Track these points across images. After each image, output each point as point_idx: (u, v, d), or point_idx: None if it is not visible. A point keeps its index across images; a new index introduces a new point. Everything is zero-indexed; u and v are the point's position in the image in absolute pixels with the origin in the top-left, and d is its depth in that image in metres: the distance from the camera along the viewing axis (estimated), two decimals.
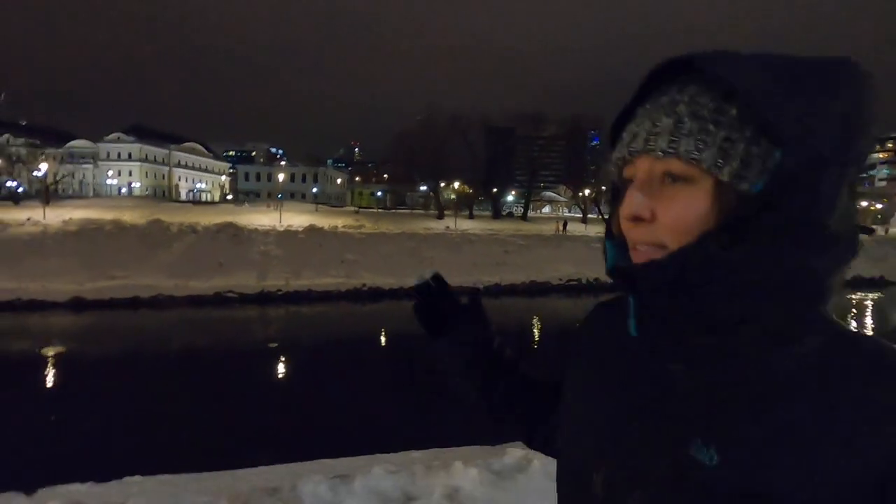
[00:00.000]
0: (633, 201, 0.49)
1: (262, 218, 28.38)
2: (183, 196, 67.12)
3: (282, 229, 24.80)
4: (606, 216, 0.60)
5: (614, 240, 0.55)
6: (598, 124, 44.40)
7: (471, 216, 37.10)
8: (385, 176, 65.69)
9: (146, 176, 67.29)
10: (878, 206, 58.35)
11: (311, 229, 24.93)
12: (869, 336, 0.47)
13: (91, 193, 56.11)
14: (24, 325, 15.09)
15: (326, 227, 26.24)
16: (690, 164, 0.46)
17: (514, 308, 20.79)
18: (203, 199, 68.41)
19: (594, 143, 52.66)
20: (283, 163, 64.19)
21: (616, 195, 0.55)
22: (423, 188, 50.31)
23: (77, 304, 17.33)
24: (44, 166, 27.29)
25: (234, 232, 23.01)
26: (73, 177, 50.80)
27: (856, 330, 0.48)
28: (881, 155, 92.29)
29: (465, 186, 37.12)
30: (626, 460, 0.52)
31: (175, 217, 25.51)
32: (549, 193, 58.36)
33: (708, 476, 0.45)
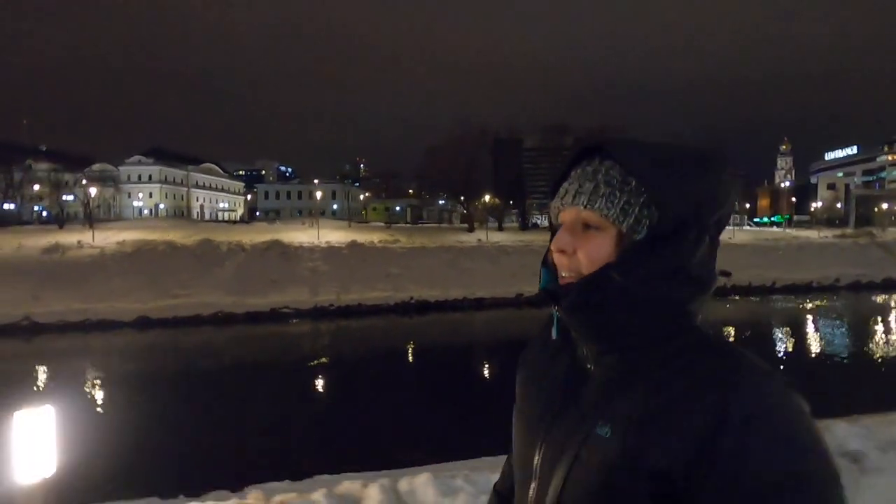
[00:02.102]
0: (562, 239, 0.67)
1: (300, 235, 28.98)
2: (207, 216, 68.14)
3: (325, 246, 25.39)
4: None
5: (548, 267, 0.73)
6: (623, 133, 45.03)
7: (500, 228, 37.79)
8: (410, 191, 66.51)
9: (166, 197, 68.45)
10: None
11: (354, 245, 25.51)
12: (716, 339, 0.64)
13: (112, 215, 56.92)
14: (107, 343, 15.69)
15: (365, 242, 26.84)
16: (602, 217, 0.64)
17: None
18: (221, 218, 69.37)
19: None
20: (315, 181, 65.03)
21: (553, 234, 0.72)
22: (442, 202, 51.06)
23: (143, 323, 17.93)
24: (92, 191, 28.11)
25: (281, 250, 23.63)
26: (114, 200, 51.73)
27: (712, 335, 0.65)
28: (889, 157, 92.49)
29: (496, 199, 37.83)
30: (554, 439, 0.68)
31: (219, 236, 26.17)
32: None
33: (604, 445, 0.61)
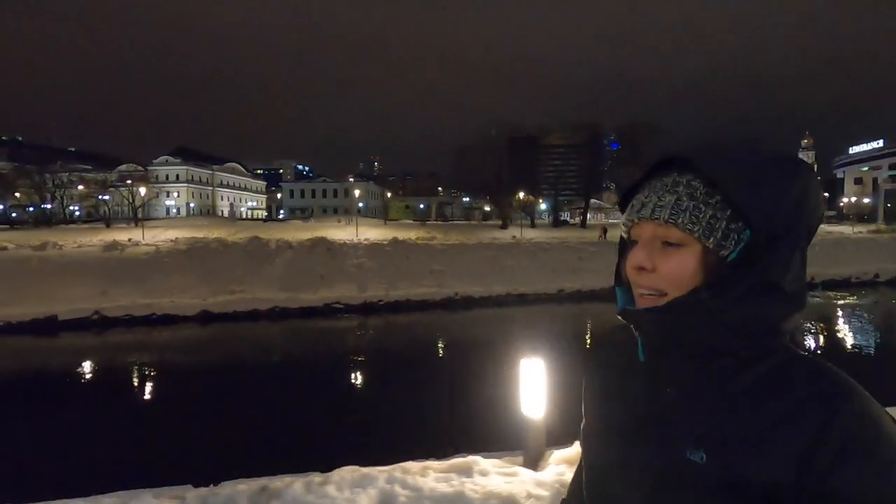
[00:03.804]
0: (639, 255, 0.64)
1: (338, 233, 29.58)
2: (235, 214, 69.38)
3: (367, 243, 25.93)
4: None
5: (623, 286, 0.70)
6: (656, 133, 44.54)
7: (532, 225, 38.11)
8: (439, 189, 67.04)
9: (193, 196, 69.80)
10: None
11: (396, 242, 26.02)
12: (811, 358, 0.60)
13: (139, 215, 58.13)
14: (174, 336, 16.36)
15: (405, 239, 27.33)
16: (685, 232, 0.60)
17: (602, 313, 21.50)
18: (248, 216, 70.42)
19: (614, 147, 53.19)
20: (351, 179, 65.92)
21: (623, 249, 0.70)
22: (466, 199, 51.43)
23: (205, 318, 18.58)
24: (142, 190, 29.06)
25: (327, 246, 24.20)
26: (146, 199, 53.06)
27: (805, 354, 0.61)
28: None
29: (531, 196, 38.15)
30: (638, 463, 0.64)
31: (262, 234, 26.86)
32: (593, 200, 59.30)
33: (700, 471, 0.58)
